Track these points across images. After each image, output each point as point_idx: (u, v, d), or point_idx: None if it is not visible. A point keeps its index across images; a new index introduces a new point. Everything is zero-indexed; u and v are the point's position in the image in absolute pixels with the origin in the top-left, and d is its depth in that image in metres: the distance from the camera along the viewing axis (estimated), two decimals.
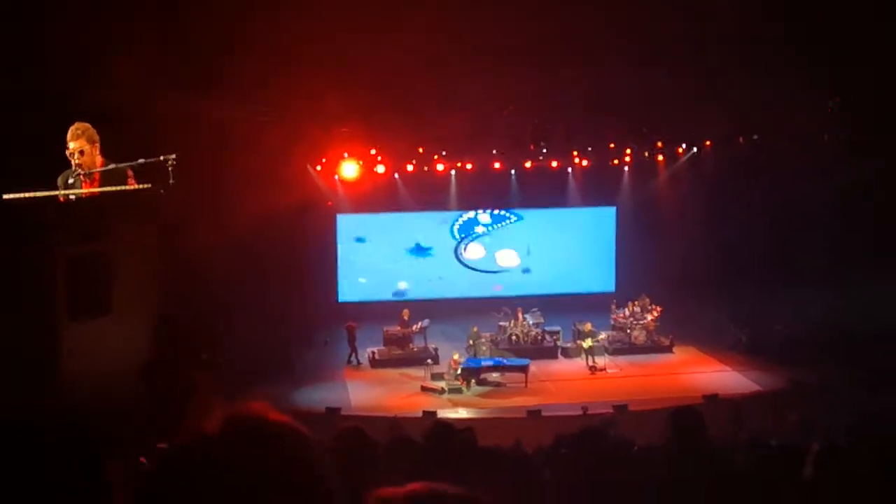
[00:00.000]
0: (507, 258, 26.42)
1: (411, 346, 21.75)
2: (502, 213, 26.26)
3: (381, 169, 22.59)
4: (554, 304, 24.12)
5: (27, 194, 6.77)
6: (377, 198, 24.26)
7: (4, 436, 1.41)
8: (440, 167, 23.61)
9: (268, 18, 13.97)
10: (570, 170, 25.50)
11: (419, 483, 1.43)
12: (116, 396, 14.04)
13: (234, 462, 1.32)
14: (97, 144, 6.68)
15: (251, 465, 1.32)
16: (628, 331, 22.42)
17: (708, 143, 23.68)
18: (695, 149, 24.23)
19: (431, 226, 25.88)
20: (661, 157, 25.12)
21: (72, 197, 6.71)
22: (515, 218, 26.27)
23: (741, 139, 22.05)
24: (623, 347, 22.05)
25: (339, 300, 25.06)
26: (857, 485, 4.73)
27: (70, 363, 12.43)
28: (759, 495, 5.15)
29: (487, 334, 21.91)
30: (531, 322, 22.50)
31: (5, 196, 6.86)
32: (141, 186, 6.76)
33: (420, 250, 25.92)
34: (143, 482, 1.38)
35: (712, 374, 20.24)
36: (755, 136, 21.65)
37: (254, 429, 1.38)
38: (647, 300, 23.01)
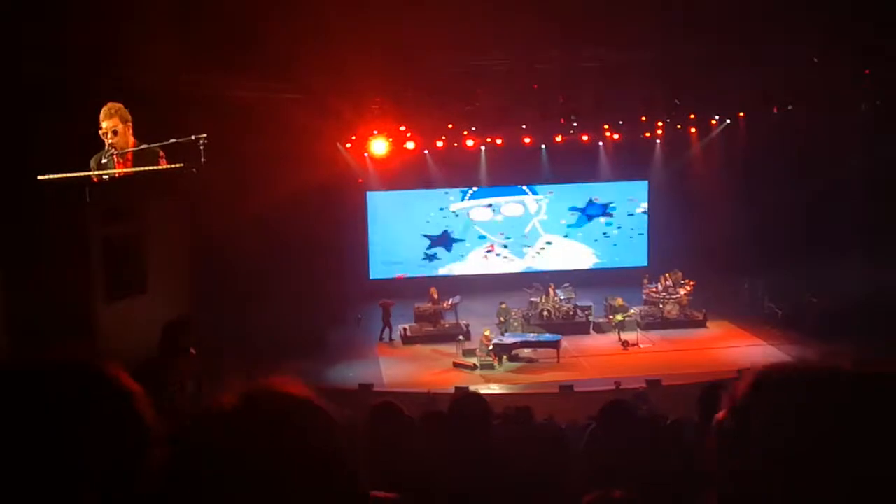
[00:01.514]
0: (514, 209, 26.30)
1: (442, 322, 21.81)
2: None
3: (410, 145, 22.56)
4: (585, 279, 24.05)
5: (61, 175, 6.85)
6: (407, 174, 24.28)
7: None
8: (470, 143, 23.51)
9: None
10: (601, 144, 25.29)
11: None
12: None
13: (250, 439, 1.30)
14: (129, 124, 6.74)
15: (268, 442, 1.29)
16: (661, 305, 22.29)
17: (741, 114, 23.33)
18: (728, 120, 23.89)
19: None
20: (693, 130, 24.81)
21: (105, 177, 6.79)
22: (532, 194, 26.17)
23: (775, 109, 21.69)
24: (655, 322, 21.93)
25: (371, 277, 25.17)
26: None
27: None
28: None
29: (519, 310, 21.91)
30: (563, 297, 22.45)
31: (40, 177, 6.94)
32: (173, 166, 6.81)
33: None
34: (158, 460, 1.37)
35: (747, 349, 20.07)
36: (789, 107, 21.27)
37: (272, 404, 1.35)
38: (680, 274, 22.84)
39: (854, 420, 1.31)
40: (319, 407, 1.39)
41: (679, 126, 24.15)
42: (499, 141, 23.82)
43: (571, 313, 22.18)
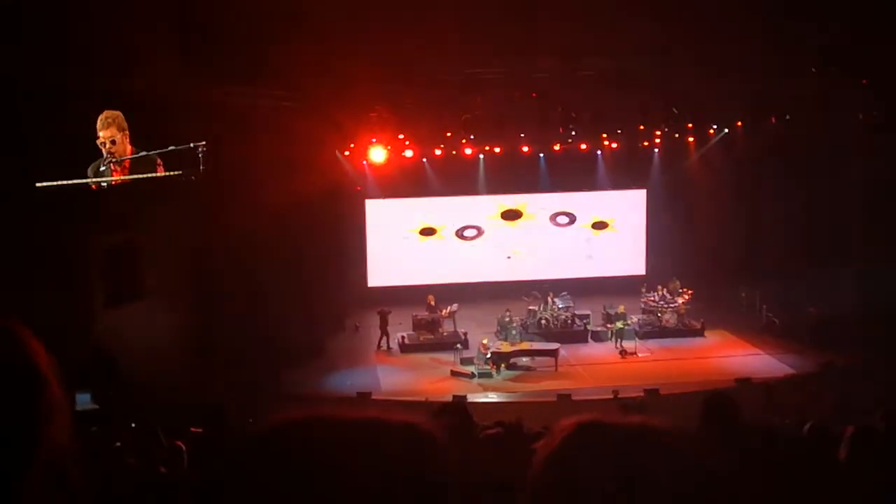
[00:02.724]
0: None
1: (441, 330, 21.77)
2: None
3: (409, 154, 22.57)
4: (584, 288, 24.02)
5: (60, 182, 6.85)
6: (406, 182, 24.27)
7: None
8: (468, 151, 23.52)
9: (295, 6, 13.97)
10: (599, 152, 25.30)
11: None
12: (149, 380, 14.21)
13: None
14: (127, 132, 6.75)
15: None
16: (659, 314, 22.26)
17: (739, 123, 23.35)
18: (726, 129, 23.91)
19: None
20: (691, 139, 24.82)
21: (103, 185, 6.79)
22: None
23: (773, 119, 21.73)
24: (653, 331, 21.91)
25: (369, 285, 25.12)
26: (893, 467, 4.66)
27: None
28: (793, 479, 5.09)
29: (517, 318, 21.89)
30: (561, 306, 22.43)
31: (38, 185, 6.94)
32: (171, 173, 6.82)
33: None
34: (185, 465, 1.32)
35: (745, 358, 20.06)
36: (787, 116, 21.30)
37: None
38: (678, 283, 22.84)
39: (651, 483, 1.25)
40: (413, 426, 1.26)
41: (677, 135, 24.15)
42: (497, 149, 23.81)
43: (570, 321, 22.16)
